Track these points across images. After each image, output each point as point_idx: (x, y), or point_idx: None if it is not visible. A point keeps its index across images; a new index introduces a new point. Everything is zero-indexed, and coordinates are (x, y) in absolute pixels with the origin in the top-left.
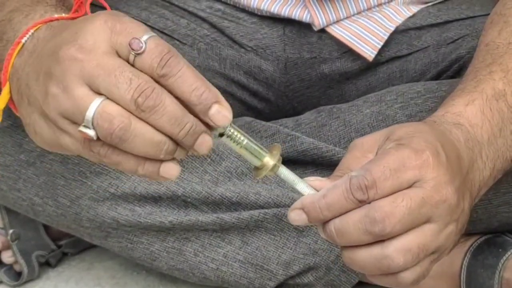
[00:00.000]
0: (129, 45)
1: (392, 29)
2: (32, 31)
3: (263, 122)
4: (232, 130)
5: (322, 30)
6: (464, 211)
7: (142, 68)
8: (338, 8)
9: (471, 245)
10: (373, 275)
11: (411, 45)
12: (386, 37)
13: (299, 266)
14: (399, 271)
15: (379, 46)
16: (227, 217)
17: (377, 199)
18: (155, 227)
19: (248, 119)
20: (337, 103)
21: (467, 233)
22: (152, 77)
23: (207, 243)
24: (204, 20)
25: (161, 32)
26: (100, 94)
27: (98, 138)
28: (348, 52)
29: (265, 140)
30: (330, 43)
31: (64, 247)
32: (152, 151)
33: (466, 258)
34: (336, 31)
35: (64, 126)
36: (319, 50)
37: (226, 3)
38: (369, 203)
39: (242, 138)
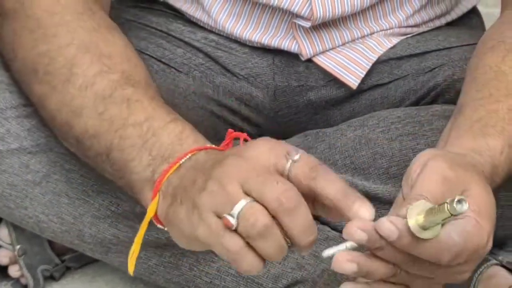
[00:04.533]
0: (287, 153)
1: (374, 59)
2: (189, 155)
3: None
4: None
5: (309, 60)
6: None
7: (296, 173)
8: (324, 39)
9: None
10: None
11: (391, 74)
12: (368, 67)
13: (287, 280)
14: None
15: (362, 75)
16: None
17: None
18: (152, 243)
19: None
20: (323, 127)
21: None
22: (299, 185)
23: (202, 258)
24: (199, 50)
25: (158, 60)
26: (249, 196)
27: (234, 230)
28: (333, 80)
29: None
30: (317, 72)
31: (67, 261)
32: (276, 255)
33: None
34: (322, 61)
35: (206, 217)
36: (306, 79)
37: (219, 35)
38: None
39: None
